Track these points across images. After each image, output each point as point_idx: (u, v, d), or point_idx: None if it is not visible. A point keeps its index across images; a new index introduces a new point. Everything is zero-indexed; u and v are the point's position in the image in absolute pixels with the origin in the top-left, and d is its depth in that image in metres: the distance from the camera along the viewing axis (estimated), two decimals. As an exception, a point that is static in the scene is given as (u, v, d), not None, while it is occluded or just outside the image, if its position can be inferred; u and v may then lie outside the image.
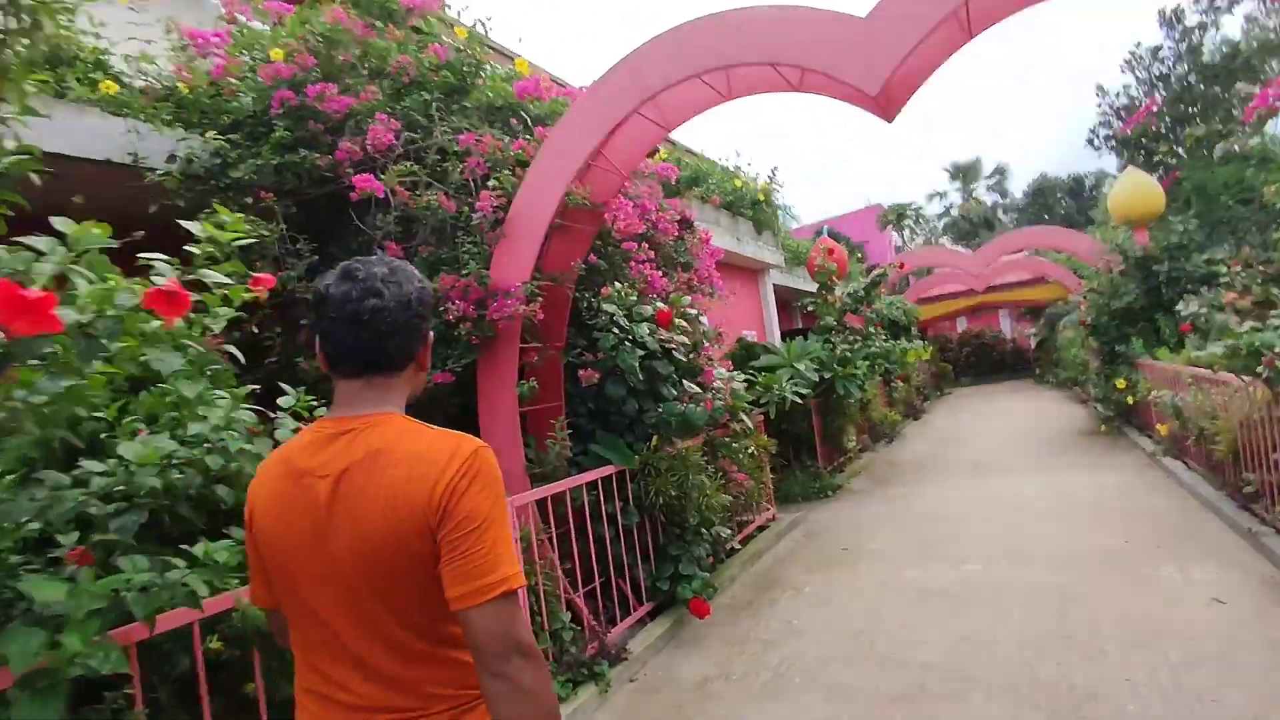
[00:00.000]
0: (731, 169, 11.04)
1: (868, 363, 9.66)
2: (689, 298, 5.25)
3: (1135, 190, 9.80)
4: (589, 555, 4.39)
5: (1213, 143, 9.35)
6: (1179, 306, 8.19)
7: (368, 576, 1.17)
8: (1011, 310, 25.41)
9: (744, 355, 9.11)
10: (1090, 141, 17.96)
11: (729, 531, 5.35)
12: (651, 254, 5.28)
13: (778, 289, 13.53)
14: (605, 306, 4.53)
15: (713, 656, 4.21)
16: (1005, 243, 12.82)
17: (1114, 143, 17.85)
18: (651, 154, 6.96)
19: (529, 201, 4.39)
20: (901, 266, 9.60)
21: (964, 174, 53.88)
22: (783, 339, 11.38)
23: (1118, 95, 17.33)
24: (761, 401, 7.35)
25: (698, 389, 4.82)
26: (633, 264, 5.18)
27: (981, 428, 12.66)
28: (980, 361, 25.63)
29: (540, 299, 4.43)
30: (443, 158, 4.79)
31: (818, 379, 8.73)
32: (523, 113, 5.20)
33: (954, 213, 48.86)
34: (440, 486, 1.14)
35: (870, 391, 11.07)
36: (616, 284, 4.67)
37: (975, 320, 27.33)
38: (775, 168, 12.09)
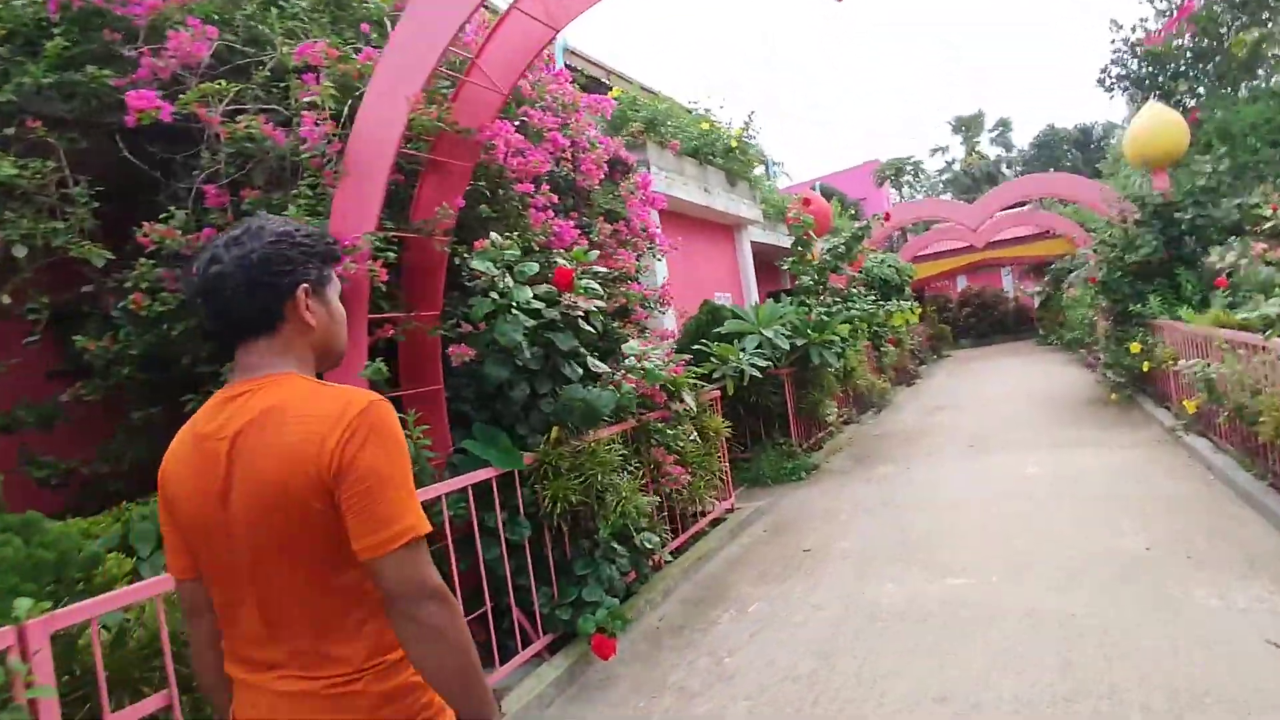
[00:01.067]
0: (701, 112, 9.86)
1: (849, 326, 8.63)
2: (596, 252, 4.19)
3: (1157, 126, 8.62)
4: (478, 576, 3.44)
5: (1263, 52, 8.14)
6: (1212, 257, 7.10)
7: (269, 536, 1.17)
8: (1014, 268, 24.24)
9: (708, 320, 8.07)
10: (1101, 82, 16.48)
11: (658, 539, 4.38)
12: (555, 198, 4.22)
13: (760, 248, 12.43)
14: (476, 264, 3.48)
15: (616, 711, 3.28)
16: (1005, 192, 11.65)
17: (1127, 83, 16.44)
18: (592, 87, 5.84)
19: (370, 126, 3.33)
20: (887, 218, 8.49)
21: (966, 127, 52.07)
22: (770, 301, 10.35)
23: (1133, 29, 15.87)
24: (716, 376, 6.35)
25: (605, 368, 3.80)
26: (533, 211, 4.13)
27: (980, 395, 11.67)
28: (980, 322, 24.55)
29: (392, 254, 3.41)
30: (276, 77, 3.71)
31: (790, 346, 7.71)
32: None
33: (956, 168, 47.28)
34: (331, 444, 1.14)
35: (854, 358, 10.06)
36: (496, 235, 3.61)
37: (975, 279, 26.17)
38: (752, 112, 10.88)
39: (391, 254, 3.40)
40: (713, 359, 6.31)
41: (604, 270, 4.08)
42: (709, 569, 5.00)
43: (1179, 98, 14.02)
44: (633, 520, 4.09)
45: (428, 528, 1.17)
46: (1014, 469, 6.50)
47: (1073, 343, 15.87)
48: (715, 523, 5.96)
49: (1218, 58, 14.92)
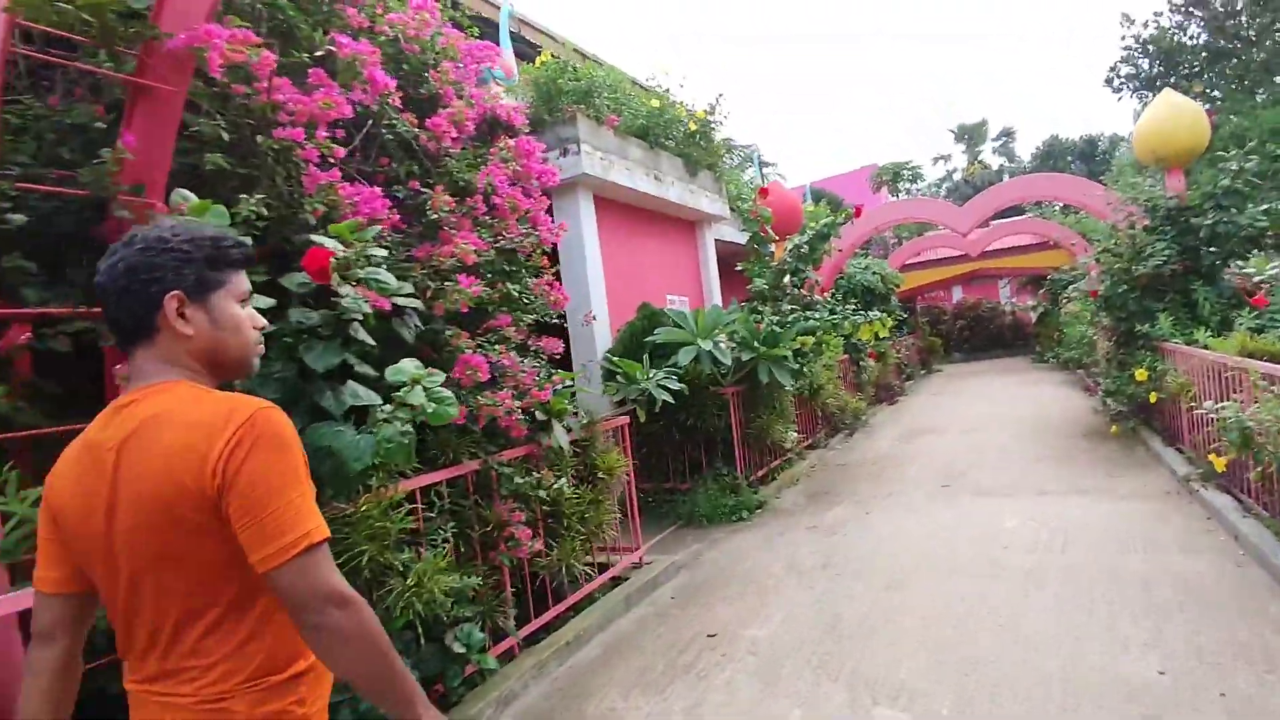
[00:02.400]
0: (658, 90, 8.65)
1: (811, 339, 7.43)
2: (378, 229, 2.97)
3: (1172, 119, 7.43)
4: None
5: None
6: (1246, 269, 5.91)
7: (150, 550, 1.14)
8: (1012, 279, 23.07)
9: (645, 327, 6.88)
10: (1109, 82, 15.38)
11: (481, 636, 3.17)
12: (341, 152, 3.00)
13: (731, 249, 11.22)
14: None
15: None
16: (999, 194, 10.45)
17: (1137, 83, 15.29)
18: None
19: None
20: (857, 214, 7.26)
21: (970, 136, 51.10)
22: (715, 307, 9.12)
23: (1145, 25, 14.72)
24: (627, 400, 5.16)
25: (376, 398, 2.59)
26: (312, 169, 2.92)
27: (966, 418, 10.48)
28: (975, 336, 23.42)
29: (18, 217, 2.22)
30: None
31: (738, 360, 6.52)
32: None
33: (957, 176, 46.19)
34: (214, 456, 1.10)
35: (823, 375, 8.86)
36: (192, 197, 2.40)
37: (972, 290, 25.02)
38: (720, 94, 9.67)
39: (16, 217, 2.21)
40: (619, 378, 5.13)
41: (380, 252, 2.85)
42: (578, 659, 3.79)
43: (1195, 98, 12.87)
44: (442, 609, 2.90)
45: (324, 533, 1.13)
46: (989, 521, 5.31)
47: (1070, 362, 14.71)
48: (616, 581, 4.78)
49: (1234, 60, 13.77)
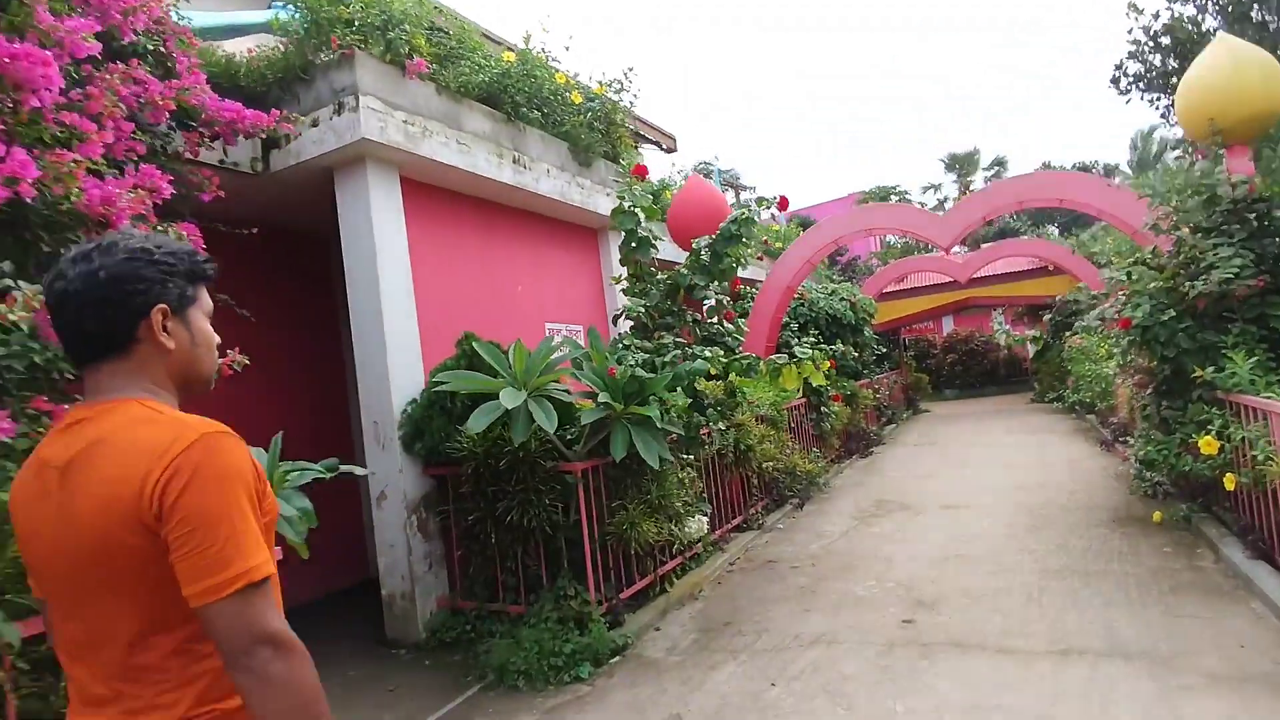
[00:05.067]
0: (520, 48, 6.37)
1: (719, 384, 5.08)
2: None
3: (1234, 73, 5.18)
4: None
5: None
6: None
7: (90, 576, 1.10)
8: (1007, 309, 20.85)
9: (454, 367, 4.56)
10: (1115, 82, 13.29)
11: None
12: None
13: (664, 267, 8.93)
14: None
15: None
16: (989, 198, 8.21)
17: (1145, 83, 13.19)
18: None
19: None
20: (782, 205, 4.96)
21: (960, 165, 49.59)
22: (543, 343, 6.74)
23: (1155, 16, 12.66)
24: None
25: None
26: None
27: (950, 483, 8.08)
28: (967, 371, 21.10)
29: None
30: None
31: (590, 423, 4.16)
32: None
33: (948, 206, 44.50)
34: (150, 484, 1.05)
35: (752, 430, 6.50)
36: None
37: (963, 321, 22.78)
38: (630, 68, 7.45)
39: None
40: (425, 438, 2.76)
41: None
42: None
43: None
44: None
45: (267, 571, 1.08)
46: (979, 729, 2.91)
47: (1077, 405, 12.36)
48: None
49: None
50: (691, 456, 5.22)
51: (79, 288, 1.14)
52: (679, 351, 4.45)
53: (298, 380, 6.33)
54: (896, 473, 9.17)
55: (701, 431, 5.06)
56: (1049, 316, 14.31)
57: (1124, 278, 5.44)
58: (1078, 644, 3.63)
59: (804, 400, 9.10)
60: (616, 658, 4.12)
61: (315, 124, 4.74)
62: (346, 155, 4.78)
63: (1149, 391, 5.68)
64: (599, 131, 7.19)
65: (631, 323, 5.12)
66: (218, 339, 1.33)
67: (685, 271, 5.03)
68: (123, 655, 1.10)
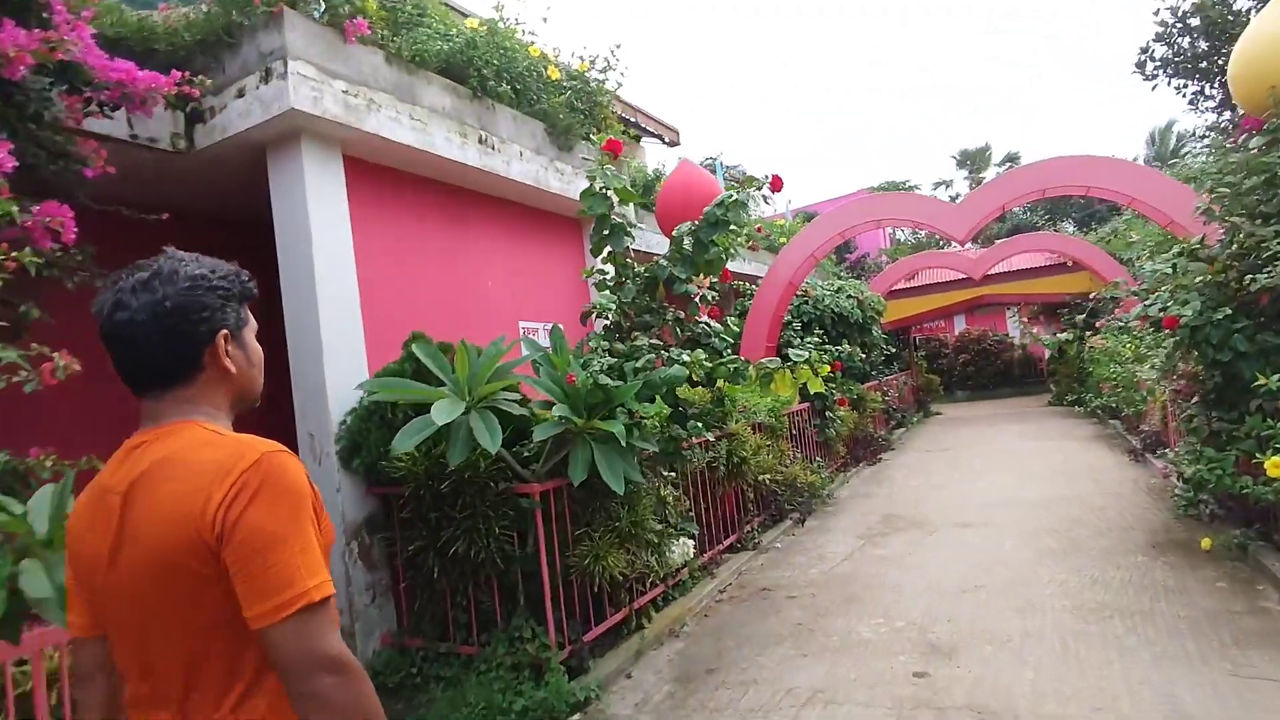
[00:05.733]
0: (486, 19, 5.75)
1: (709, 391, 4.47)
2: None
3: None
4: None
5: None
6: None
7: (150, 600, 1.09)
8: (1022, 307, 20.09)
9: (399, 372, 3.96)
10: (1140, 66, 12.52)
11: None
12: None
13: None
14: None
15: None
16: (1009, 185, 7.52)
17: (1174, 68, 12.44)
18: None
19: None
20: (775, 185, 4.31)
21: (972, 161, 48.72)
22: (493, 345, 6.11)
23: (1184, -6, 11.89)
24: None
25: None
26: None
27: (965, 497, 7.43)
28: (980, 372, 20.41)
29: None
30: None
31: (548, 439, 3.55)
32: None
33: (959, 203, 43.65)
34: (213, 504, 1.05)
35: (747, 441, 5.88)
36: None
37: (976, 320, 22.03)
38: (617, 45, 6.84)
39: None
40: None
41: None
42: None
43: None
44: None
45: (327, 591, 1.06)
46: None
47: (1100, 410, 11.66)
48: None
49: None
50: (674, 473, 4.60)
51: (144, 319, 1.13)
52: (653, 355, 3.83)
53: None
54: (907, 483, 8.52)
55: (685, 445, 4.44)
56: (1073, 314, 13.58)
57: (1169, 270, 4.77)
58: (1127, 711, 2.99)
59: (806, 406, 8.46)
60: (576, 715, 3.51)
61: (241, 94, 4.14)
62: (278, 130, 4.18)
63: (1195, 400, 5.02)
64: (581, 112, 6.57)
65: (607, 322, 4.49)
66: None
67: (665, 263, 4.40)
68: (180, 680, 1.09)
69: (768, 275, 8.46)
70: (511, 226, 6.15)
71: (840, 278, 13.38)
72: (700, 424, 4.53)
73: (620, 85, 7.01)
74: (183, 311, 1.14)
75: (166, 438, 1.13)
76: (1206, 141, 13.24)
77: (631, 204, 6.29)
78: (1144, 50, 12.42)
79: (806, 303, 10.16)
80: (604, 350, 3.96)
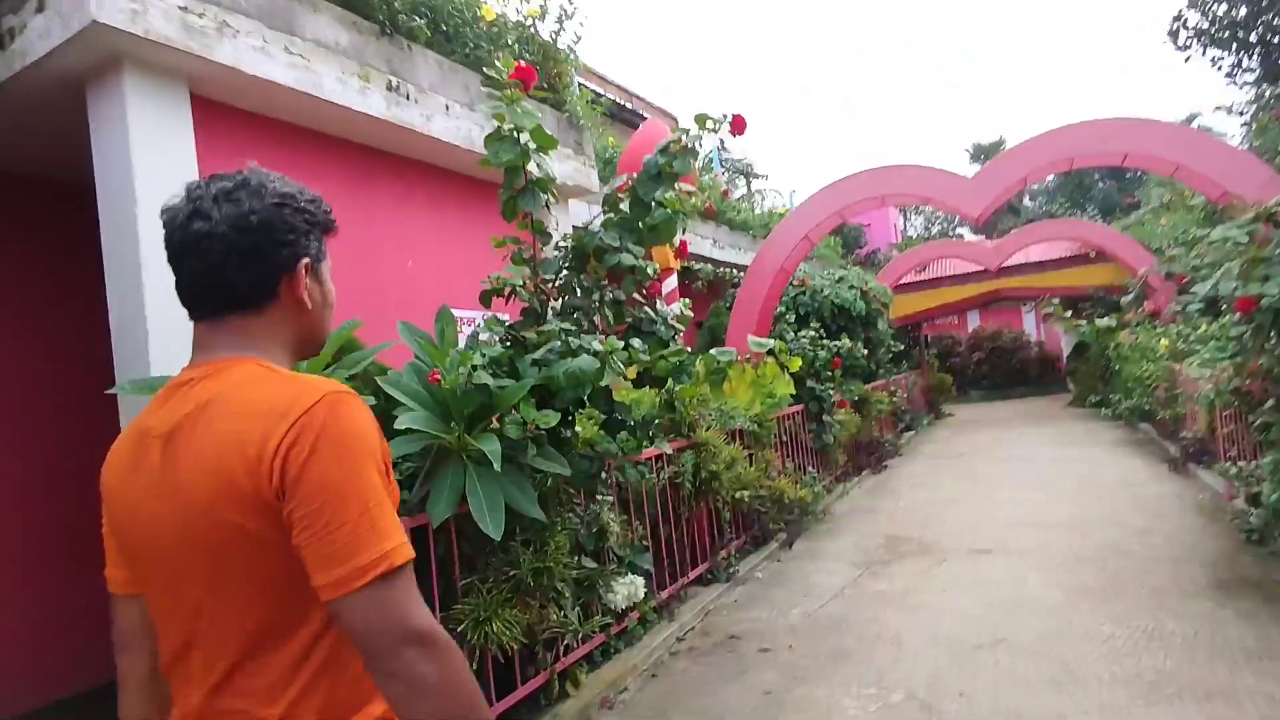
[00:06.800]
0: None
1: (660, 393, 3.50)
2: None
3: None
4: None
5: None
6: None
7: (196, 563, 0.92)
8: (1039, 302, 19.00)
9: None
10: (1173, 35, 11.44)
11: None
12: None
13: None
14: None
15: None
16: (1026, 155, 6.51)
17: (1209, 39, 11.34)
18: None
19: None
20: (737, 126, 3.35)
21: (986, 155, 47.67)
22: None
23: (1223, -43, 10.79)
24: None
25: None
26: None
27: (980, 515, 6.43)
28: (995, 371, 19.33)
29: None
30: None
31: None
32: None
33: (973, 196, 42.56)
34: (270, 451, 0.87)
35: (723, 454, 4.93)
36: None
37: (991, 316, 20.93)
38: (574, -4, 5.86)
39: None
40: None
41: None
42: None
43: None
44: None
45: (406, 554, 0.88)
46: None
47: (1128, 413, 10.58)
48: None
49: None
50: (610, 498, 3.63)
51: (225, 230, 0.97)
52: (556, 345, 2.86)
53: (46, 385, 4.57)
54: (913, 496, 7.51)
55: (611, 463, 3.47)
56: (1095, 308, 12.51)
57: (1243, 239, 3.75)
58: None
59: (800, 408, 7.47)
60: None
61: (41, 7, 3.22)
62: (93, 57, 3.25)
63: (1270, 405, 4.00)
64: (530, 64, 5.61)
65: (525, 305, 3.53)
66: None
67: (595, 230, 3.44)
68: (229, 660, 0.92)
69: (756, 259, 7.48)
70: (437, 196, 5.20)
71: (843, 267, 12.37)
72: (639, 435, 3.56)
73: (579, 39, 6.06)
74: (268, 229, 0.99)
75: (218, 375, 0.97)
76: (1244, 119, 12.10)
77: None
78: (1177, 18, 11.32)
79: (803, 293, 9.17)
80: (500, 340, 3.02)
